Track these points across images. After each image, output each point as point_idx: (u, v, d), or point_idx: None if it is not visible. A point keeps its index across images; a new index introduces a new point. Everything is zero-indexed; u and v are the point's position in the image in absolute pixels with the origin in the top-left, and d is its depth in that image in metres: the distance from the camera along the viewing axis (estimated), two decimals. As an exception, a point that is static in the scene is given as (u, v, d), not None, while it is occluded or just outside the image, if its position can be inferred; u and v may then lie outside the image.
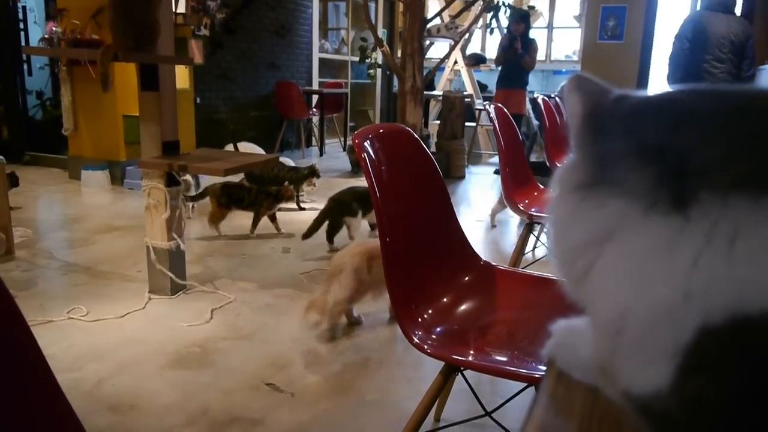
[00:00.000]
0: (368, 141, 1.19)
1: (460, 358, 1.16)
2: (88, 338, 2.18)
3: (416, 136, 1.39)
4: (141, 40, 2.12)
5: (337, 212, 3.32)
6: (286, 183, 3.94)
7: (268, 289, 2.74)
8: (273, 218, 3.63)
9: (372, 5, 9.02)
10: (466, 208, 4.75)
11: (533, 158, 7.18)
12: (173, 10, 5.03)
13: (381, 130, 1.23)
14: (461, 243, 1.47)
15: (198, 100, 5.67)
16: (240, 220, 3.89)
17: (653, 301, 0.31)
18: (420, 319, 1.22)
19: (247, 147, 5.54)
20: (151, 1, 2.12)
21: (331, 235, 3.34)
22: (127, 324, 2.33)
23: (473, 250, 1.50)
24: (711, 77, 4.44)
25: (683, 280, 0.30)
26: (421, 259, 1.34)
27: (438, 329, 1.24)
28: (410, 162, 1.36)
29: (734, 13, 4.85)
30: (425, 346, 1.15)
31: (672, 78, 5.01)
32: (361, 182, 4.64)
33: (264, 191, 3.55)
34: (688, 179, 0.31)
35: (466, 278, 1.41)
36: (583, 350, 0.40)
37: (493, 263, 1.50)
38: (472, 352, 1.19)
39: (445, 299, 1.32)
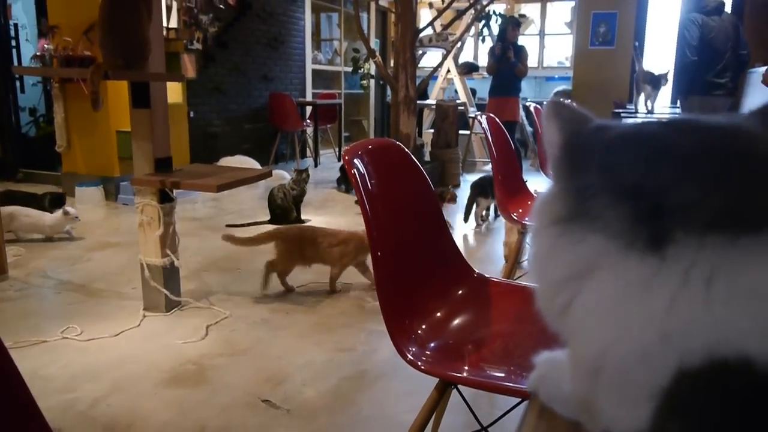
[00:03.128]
0: (358, 157, 1.19)
1: (454, 374, 1.15)
2: (83, 358, 2.17)
3: (407, 150, 1.39)
4: (131, 58, 2.12)
5: (473, 193, 4.13)
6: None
7: (263, 304, 2.73)
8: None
9: (364, 16, 9.06)
10: (462, 216, 4.74)
11: (527, 165, 7.20)
12: (165, 25, 5.06)
13: (370, 146, 1.23)
14: (454, 256, 1.47)
15: (191, 114, 5.67)
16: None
17: (631, 342, 0.30)
18: (413, 335, 1.22)
19: (240, 160, 5.55)
20: (140, 19, 2.12)
21: (468, 214, 4.15)
22: (122, 342, 2.32)
23: (466, 262, 1.50)
24: (716, 89, 4.49)
25: (661, 321, 0.29)
26: (414, 273, 1.34)
27: (432, 344, 1.24)
28: (401, 176, 1.36)
29: (726, 12, 4.91)
30: (419, 363, 1.15)
31: (678, 89, 5.06)
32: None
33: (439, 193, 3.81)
34: (665, 218, 0.31)
35: (460, 291, 1.40)
36: (565, 384, 0.40)
37: (486, 275, 1.50)
38: (466, 367, 1.18)
39: (438, 314, 1.31)
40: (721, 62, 4.57)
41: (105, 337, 2.34)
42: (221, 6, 6.00)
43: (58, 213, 3.64)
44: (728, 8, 5.37)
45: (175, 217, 2.58)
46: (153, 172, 2.44)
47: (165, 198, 2.48)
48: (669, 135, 0.34)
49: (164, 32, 5.05)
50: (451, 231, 3.46)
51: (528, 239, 0.39)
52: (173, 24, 5.17)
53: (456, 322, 1.32)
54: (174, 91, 5.29)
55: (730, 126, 0.35)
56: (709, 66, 4.52)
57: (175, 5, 5.15)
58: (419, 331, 1.24)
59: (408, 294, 1.29)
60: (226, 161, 5.49)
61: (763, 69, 5.00)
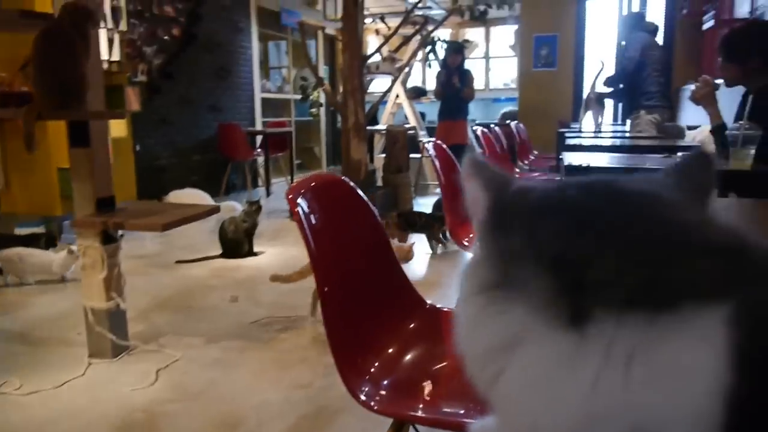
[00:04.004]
0: (301, 195, 1.17)
1: (410, 413, 1.13)
2: (23, 413, 2.05)
3: (352, 184, 1.37)
4: (67, 97, 2.06)
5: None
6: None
7: (216, 343, 2.65)
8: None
9: (312, 43, 9.10)
10: (417, 241, 4.74)
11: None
12: (107, 58, 4.96)
13: (313, 183, 1.21)
14: (404, 288, 1.45)
15: (137, 148, 5.54)
16: (187, 270, 3.79)
17: (558, 421, 0.29)
18: (366, 375, 1.19)
19: (190, 193, 5.44)
20: (76, 55, 2.06)
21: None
22: (66, 394, 2.20)
23: (417, 294, 1.48)
24: (659, 103, 4.66)
25: (584, 401, 0.28)
26: (364, 309, 1.32)
27: (385, 382, 1.21)
28: (347, 211, 1.35)
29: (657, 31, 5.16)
30: (372, 404, 1.12)
31: (623, 106, 5.24)
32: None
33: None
34: (585, 293, 0.29)
35: (412, 325, 1.39)
36: None
37: (438, 306, 1.49)
38: (422, 405, 1.16)
39: (390, 350, 1.29)
40: (660, 78, 4.76)
41: (47, 389, 2.22)
42: (165, 37, 5.93)
43: (63, 252, 3.49)
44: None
45: (119, 258, 2.49)
46: (94, 212, 2.36)
47: (108, 239, 2.39)
48: (591, 203, 0.33)
49: (106, 65, 4.95)
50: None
51: (455, 306, 0.37)
52: (116, 57, 5.06)
53: (409, 357, 1.30)
54: (118, 125, 5.17)
55: (651, 194, 0.34)
56: (651, 82, 4.69)
57: (117, 38, 5.06)
58: (372, 370, 1.22)
59: (358, 331, 1.27)
60: (175, 195, 5.37)
61: (691, 86, 5.23)
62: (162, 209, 2.57)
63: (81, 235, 2.40)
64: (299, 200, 1.15)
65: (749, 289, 0.28)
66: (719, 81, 2.51)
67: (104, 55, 4.90)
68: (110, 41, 4.98)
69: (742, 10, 5.23)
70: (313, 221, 1.18)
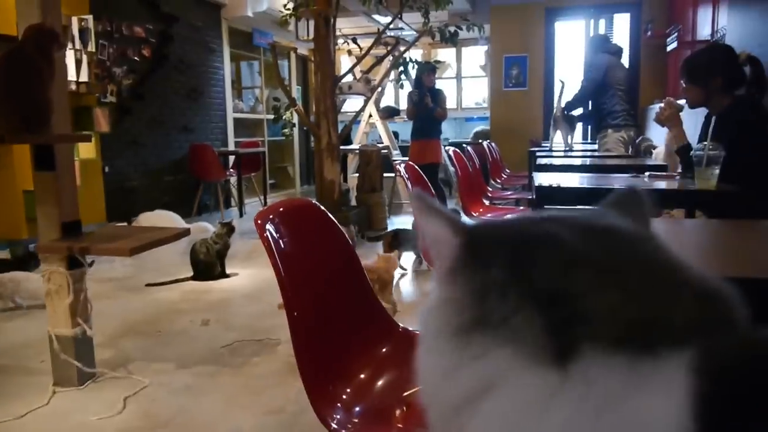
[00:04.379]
0: (269, 221, 1.15)
1: (381, 440, 1.11)
2: (-18, 446, 1.98)
3: (322, 208, 1.36)
4: (31, 120, 2.02)
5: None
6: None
7: (186, 368, 2.59)
8: None
9: (284, 63, 9.11)
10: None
11: (453, 203, 7.33)
12: (75, 79, 4.89)
13: (281, 209, 1.20)
14: (376, 312, 1.44)
15: (106, 170, 5.46)
16: (158, 293, 3.72)
17: None
18: (338, 402, 1.17)
19: (160, 215, 5.37)
20: (40, 78, 2.02)
21: None
22: (29, 425, 2.13)
23: (390, 317, 1.47)
24: (626, 122, 4.75)
25: None
26: (335, 333, 1.30)
27: (357, 409, 1.20)
28: (316, 235, 1.33)
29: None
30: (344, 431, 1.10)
31: (593, 125, 5.35)
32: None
33: None
34: (575, 329, 0.29)
35: (384, 349, 1.37)
36: None
37: (410, 328, 1.48)
38: None
39: (362, 375, 1.27)
40: (625, 97, 4.87)
41: (9, 420, 2.15)
42: (136, 58, 5.88)
43: None
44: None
45: (86, 283, 2.43)
46: (60, 237, 2.30)
47: (74, 264, 2.34)
48: (571, 238, 0.32)
49: (74, 87, 4.88)
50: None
51: (417, 356, 0.36)
52: (84, 78, 5.00)
53: (381, 383, 1.29)
54: (87, 146, 5.10)
55: (626, 230, 0.33)
56: (616, 101, 4.79)
57: (85, 58, 5.00)
58: (343, 396, 1.20)
59: (329, 357, 1.25)
60: (146, 217, 5.29)
61: (657, 106, 5.36)
62: (130, 233, 2.52)
63: (46, 261, 2.34)
64: (267, 226, 1.13)
65: (714, 335, 0.28)
66: (683, 102, 2.57)
67: (72, 76, 4.84)
68: (78, 62, 4.92)
69: (704, 31, 5.39)
70: (282, 246, 1.17)
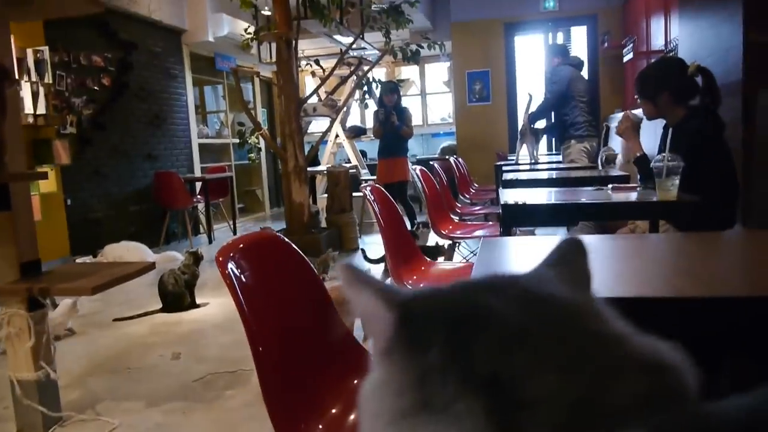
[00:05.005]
0: (230, 258, 1.13)
1: (355, 477, 1.09)
2: (-59, 504, 1.88)
3: (285, 239, 1.34)
4: (-18, 160, 1.96)
5: None
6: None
7: (157, 406, 2.52)
8: None
9: (248, 87, 9.08)
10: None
11: (423, 218, 7.35)
12: (32, 111, 4.79)
13: (242, 245, 1.18)
14: (347, 342, 1.42)
15: (68, 202, 5.34)
16: (126, 327, 3.63)
17: None
18: (309, 440, 1.14)
19: (127, 246, 5.26)
20: (-9, 117, 1.97)
21: None
22: (-9, 476, 2.04)
23: (362, 347, 1.45)
24: (588, 132, 4.84)
25: None
26: (304, 367, 1.27)
27: (330, 446, 1.17)
28: (280, 268, 1.31)
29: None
30: (316, 472, 1.07)
31: (557, 136, 5.44)
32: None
33: None
34: (520, 414, 0.27)
35: (356, 381, 1.35)
36: None
37: (383, 358, 1.46)
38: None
39: (334, 410, 1.25)
40: (587, 108, 4.96)
41: (-30, 472, 2.06)
42: (95, 87, 5.79)
43: (64, 306, 3.36)
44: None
45: (48, 324, 2.35)
46: (18, 278, 2.23)
47: (35, 305, 2.26)
48: (510, 313, 0.31)
49: (32, 119, 4.78)
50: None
51: None
52: (41, 110, 4.89)
53: (354, 416, 1.26)
54: (47, 180, 4.98)
55: (562, 299, 0.32)
56: (578, 113, 4.87)
57: (42, 90, 4.90)
58: (315, 434, 1.17)
59: (299, 392, 1.22)
60: (111, 248, 5.18)
61: (618, 115, 5.48)
62: (93, 270, 2.46)
63: (4, 303, 2.26)
64: (229, 263, 1.11)
65: (662, 411, 0.27)
66: (641, 113, 2.63)
67: (29, 108, 4.74)
68: (35, 94, 4.82)
69: (658, 42, 5.54)
70: (245, 282, 1.14)
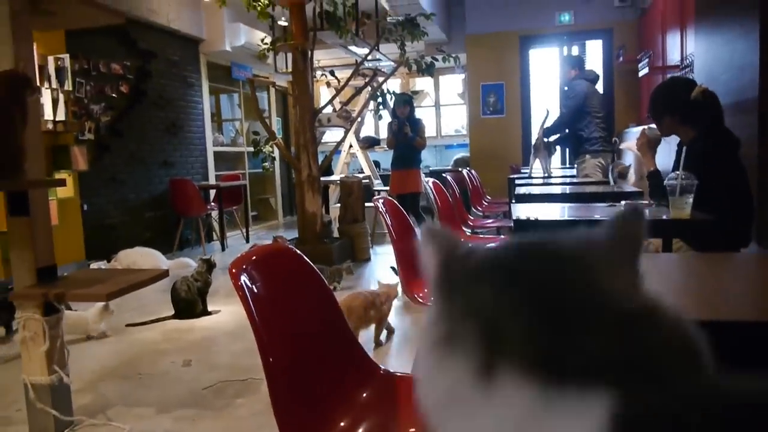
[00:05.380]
0: (243, 270, 1.14)
1: (362, 491, 1.09)
2: (-46, 505, 1.91)
3: (296, 251, 1.36)
4: (3, 167, 1.99)
5: None
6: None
7: (167, 413, 2.54)
8: None
9: (264, 96, 9.16)
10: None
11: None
12: (51, 118, 4.87)
13: (255, 257, 1.19)
14: (356, 354, 1.43)
15: (85, 207, 5.41)
16: (138, 333, 3.66)
17: None
18: (317, 452, 1.15)
19: (141, 252, 5.31)
20: (12, 126, 2.01)
21: None
22: (3, 478, 2.07)
23: (370, 359, 1.46)
24: (603, 147, 4.84)
25: None
26: (313, 379, 1.28)
27: (338, 458, 1.18)
28: (292, 279, 1.32)
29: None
30: (324, 484, 1.08)
31: (571, 150, 5.43)
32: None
33: None
34: (497, 349, 0.32)
35: (365, 394, 1.36)
36: None
37: (391, 370, 1.46)
38: (374, 481, 1.13)
39: (343, 423, 1.26)
40: (602, 124, 4.95)
41: (-18, 474, 2.08)
42: (113, 95, 5.88)
43: (96, 309, 3.47)
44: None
45: (62, 329, 2.38)
46: (35, 283, 2.26)
47: (50, 310, 2.29)
48: (521, 265, 0.36)
49: (52, 126, 4.86)
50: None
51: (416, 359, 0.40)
52: (61, 116, 4.97)
53: (363, 429, 1.27)
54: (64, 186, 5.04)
55: (580, 256, 0.36)
56: (593, 128, 4.87)
57: (62, 97, 4.98)
58: (323, 446, 1.18)
59: (308, 404, 1.23)
60: (125, 254, 5.23)
61: (635, 129, 5.45)
62: (107, 276, 2.49)
63: (20, 307, 2.29)
64: (242, 275, 1.12)
65: (636, 378, 0.30)
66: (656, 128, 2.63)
67: (49, 115, 4.82)
68: (55, 101, 4.90)
69: (674, 57, 5.52)
70: (257, 293, 1.16)
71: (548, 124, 4.86)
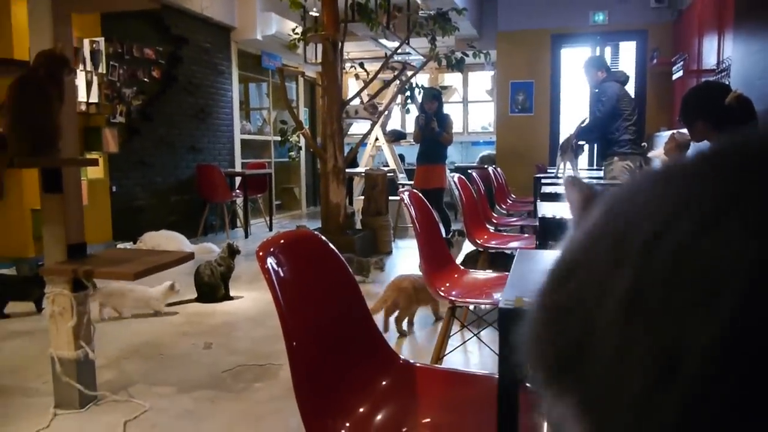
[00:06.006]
0: (270, 253, 1.16)
1: (379, 476, 1.11)
2: (-19, 470, 1.97)
3: (323, 238, 1.37)
4: (40, 144, 2.04)
5: None
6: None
7: (187, 393, 2.58)
8: None
9: (292, 86, 9.20)
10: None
11: (459, 226, 7.32)
12: (85, 100, 4.96)
13: (283, 240, 1.21)
14: (377, 343, 1.44)
15: (114, 189, 5.50)
16: (161, 315, 3.72)
17: None
18: (336, 436, 1.17)
19: (166, 235, 5.38)
20: (50, 104, 2.05)
21: None
22: (28, 448, 2.12)
23: (390, 349, 1.47)
24: (633, 149, 4.77)
25: None
26: (334, 366, 1.30)
27: (356, 444, 1.19)
28: (317, 267, 1.34)
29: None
30: (341, 468, 1.09)
31: (599, 152, 5.35)
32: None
33: None
34: None
35: (384, 382, 1.37)
36: None
37: (411, 361, 1.47)
38: (391, 467, 1.14)
39: (362, 409, 1.27)
40: (632, 126, 4.87)
41: (8, 442, 2.14)
42: (145, 79, 5.96)
43: (163, 287, 3.65)
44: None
45: (89, 306, 2.44)
46: (65, 259, 2.32)
47: (78, 286, 2.35)
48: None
49: (85, 107, 4.95)
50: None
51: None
52: (94, 99, 5.06)
53: (381, 416, 1.28)
54: (95, 167, 5.14)
55: None
56: (623, 131, 4.80)
57: (95, 80, 5.07)
58: (342, 431, 1.19)
59: (328, 389, 1.25)
60: (150, 237, 5.31)
61: (665, 133, 5.37)
62: (135, 256, 2.53)
63: (50, 282, 2.35)
64: (269, 258, 1.14)
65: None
66: (687, 133, 2.59)
67: (82, 97, 4.90)
68: (89, 83, 4.98)
69: (710, 61, 5.42)
70: (283, 277, 1.17)
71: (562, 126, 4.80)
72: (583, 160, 6.33)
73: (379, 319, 3.18)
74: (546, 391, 0.29)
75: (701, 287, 0.21)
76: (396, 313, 3.20)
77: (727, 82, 4.32)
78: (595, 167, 6.93)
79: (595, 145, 5.72)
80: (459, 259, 3.69)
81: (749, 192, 0.23)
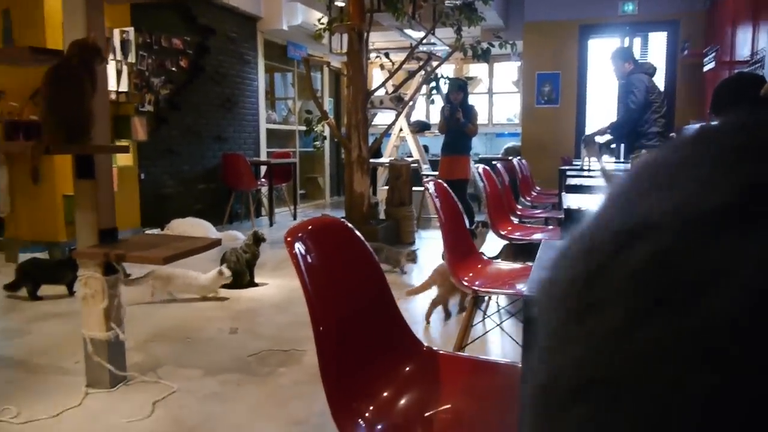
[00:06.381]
0: (298, 239, 1.19)
1: (402, 458, 1.13)
2: (17, 445, 2.04)
3: (350, 226, 1.39)
4: (74, 132, 2.10)
5: None
6: None
7: (213, 376, 2.64)
8: None
9: (317, 76, 9.24)
10: (418, 274, 4.75)
11: (483, 218, 7.31)
12: (115, 88, 5.05)
13: (310, 227, 1.23)
14: (401, 330, 1.46)
15: (142, 176, 5.61)
16: (188, 300, 3.80)
17: None
18: (360, 419, 1.19)
19: (192, 222, 5.47)
20: (84, 92, 2.11)
21: None
22: (62, 424, 2.20)
23: (414, 336, 1.49)
24: (661, 141, 4.71)
25: None
26: (360, 350, 1.32)
27: (379, 427, 1.22)
28: (344, 253, 1.36)
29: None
30: (365, 449, 1.12)
31: (627, 143, 5.29)
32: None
33: None
34: None
35: (407, 368, 1.39)
36: None
37: (434, 348, 1.49)
38: (414, 450, 1.17)
39: (385, 393, 1.29)
40: (661, 119, 4.81)
41: (43, 418, 2.22)
42: (173, 69, 6.04)
43: (213, 273, 3.75)
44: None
45: (120, 289, 2.51)
46: (97, 243, 2.38)
47: (110, 270, 2.41)
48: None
49: (114, 96, 5.04)
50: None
51: None
52: (124, 87, 5.15)
53: (404, 401, 1.31)
54: (124, 154, 5.24)
55: None
56: (652, 124, 4.74)
57: (125, 69, 5.15)
58: (366, 414, 1.22)
59: (353, 373, 1.27)
60: (177, 224, 5.41)
61: (695, 126, 5.26)
62: (164, 241, 2.59)
63: (83, 265, 2.42)
64: (296, 243, 1.17)
65: None
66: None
67: (113, 86, 4.99)
68: (119, 72, 5.07)
69: (743, 52, 5.31)
70: (310, 263, 1.20)
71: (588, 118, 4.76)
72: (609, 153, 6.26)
73: (415, 303, 3.21)
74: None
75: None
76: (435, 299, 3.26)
77: (761, 74, 4.23)
78: (622, 160, 6.84)
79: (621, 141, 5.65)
80: (493, 253, 3.70)
81: None
